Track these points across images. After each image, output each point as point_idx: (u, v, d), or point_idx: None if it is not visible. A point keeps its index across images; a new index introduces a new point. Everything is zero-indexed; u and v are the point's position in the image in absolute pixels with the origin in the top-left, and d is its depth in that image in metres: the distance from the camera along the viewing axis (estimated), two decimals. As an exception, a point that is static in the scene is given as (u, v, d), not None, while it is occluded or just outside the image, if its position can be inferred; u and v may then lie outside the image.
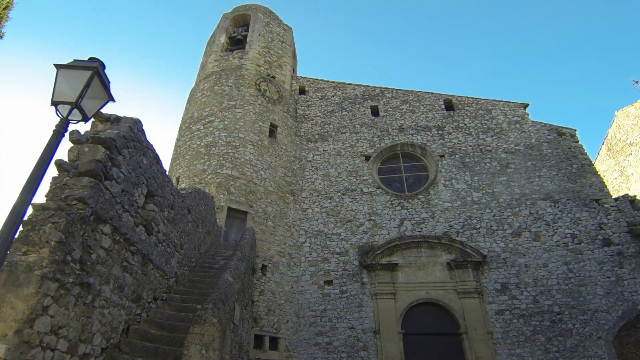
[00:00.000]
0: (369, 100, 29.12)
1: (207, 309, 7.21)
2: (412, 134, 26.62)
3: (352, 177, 24.91)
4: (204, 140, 23.33)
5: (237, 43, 30.74)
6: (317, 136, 27.40)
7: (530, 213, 21.87)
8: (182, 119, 27.22)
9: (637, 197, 21.89)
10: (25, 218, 5.75)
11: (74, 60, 5.40)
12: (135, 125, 8.42)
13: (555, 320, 18.70)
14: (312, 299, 20.77)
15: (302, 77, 31.60)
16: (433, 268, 20.87)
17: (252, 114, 24.84)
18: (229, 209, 20.55)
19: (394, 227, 22.49)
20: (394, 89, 29.56)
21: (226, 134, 23.26)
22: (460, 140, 25.65)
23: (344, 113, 28.52)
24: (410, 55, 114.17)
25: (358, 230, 22.72)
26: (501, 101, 27.15)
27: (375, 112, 28.59)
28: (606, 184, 24.53)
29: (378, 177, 25.22)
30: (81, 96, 5.13)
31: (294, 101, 29.16)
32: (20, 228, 5.61)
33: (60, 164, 6.75)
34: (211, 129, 23.76)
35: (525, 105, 26.62)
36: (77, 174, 6.73)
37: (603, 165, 35.23)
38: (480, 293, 19.78)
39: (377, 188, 24.24)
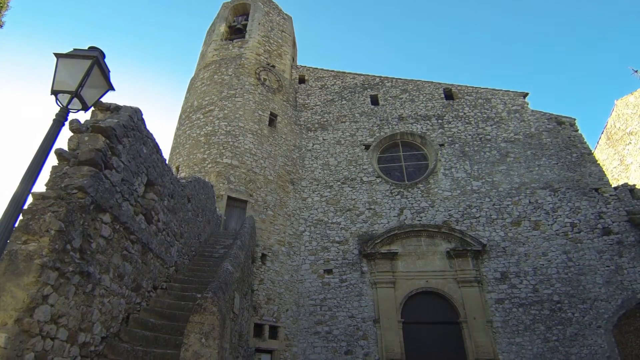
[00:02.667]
0: (368, 90, 29.12)
1: (207, 298, 7.21)
2: (411, 123, 26.62)
3: (352, 166, 24.92)
4: (204, 129, 23.30)
5: (237, 32, 30.67)
6: (316, 125, 27.40)
7: (529, 202, 21.90)
8: (182, 108, 27.20)
9: (637, 186, 21.92)
10: (25, 207, 5.74)
11: (74, 49, 5.40)
12: (135, 114, 8.40)
13: (555, 309, 18.75)
14: (311, 287, 20.82)
15: (301, 66, 31.59)
16: (433, 257, 20.89)
17: (252, 103, 24.81)
18: (229, 197, 20.55)
19: (394, 216, 22.52)
20: (393, 78, 29.55)
21: (226, 123, 23.23)
22: (459, 129, 25.66)
23: (344, 102, 28.52)
24: (410, 43, 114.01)
25: (358, 219, 22.74)
26: (501, 90, 27.16)
27: (375, 101, 28.60)
28: (606, 172, 24.59)
29: (378, 166, 25.21)
30: (81, 85, 5.13)
31: (293, 90, 29.11)
32: (20, 217, 5.60)
33: (60, 153, 6.74)
34: (211, 118, 23.74)
35: (525, 95, 26.62)
36: (77, 163, 6.71)
37: (602, 154, 35.27)
38: (479, 282, 19.83)
39: (376, 177, 24.25)
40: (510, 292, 19.50)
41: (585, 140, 23.84)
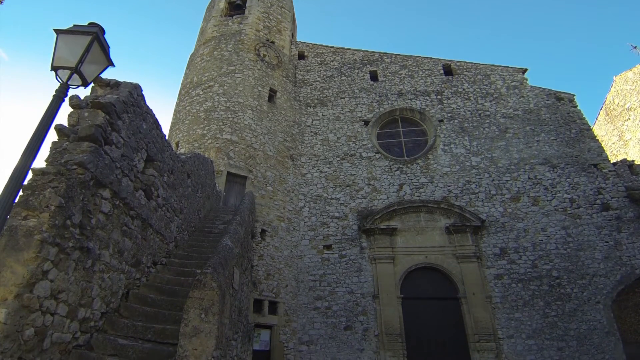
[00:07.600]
0: (368, 65, 28.98)
1: (207, 274, 7.22)
2: (411, 99, 26.54)
3: (351, 141, 24.88)
4: (204, 105, 23.25)
5: (236, 8, 30.45)
6: (316, 101, 27.31)
7: (529, 178, 21.89)
8: (182, 83, 27.09)
9: (636, 162, 21.96)
10: (25, 183, 5.75)
11: (74, 25, 5.40)
12: (134, 90, 8.38)
13: (554, 285, 18.82)
14: (311, 263, 20.88)
15: (301, 42, 31.40)
16: (432, 232, 20.93)
17: (252, 79, 24.72)
18: (229, 173, 20.55)
19: (393, 192, 22.53)
20: (392, 54, 29.40)
21: (225, 99, 23.17)
22: (459, 105, 25.58)
23: (343, 78, 28.40)
24: (409, 19, 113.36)
25: (357, 194, 22.75)
26: (500, 66, 27.03)
27: (374, 77, 28.47)
28: (604, 148, 24.59)
29: (377, 142, 25.17)
30: (81, 61, 5.14)
31: (293, 66, 28.97)
32: (20, 193, 5.60)
33: (60, 129, 6.74)
34: (210, 93, 23.68)
35: (524, 70, 26.52)
36: (76, 139, 6.72)
37: (601, 130, 35.30)
38: (479, 257, 19.88)
39: (376, 153, 24.21)
40: (509, 267, 19.56)
41: (584, 116, 23.78)
